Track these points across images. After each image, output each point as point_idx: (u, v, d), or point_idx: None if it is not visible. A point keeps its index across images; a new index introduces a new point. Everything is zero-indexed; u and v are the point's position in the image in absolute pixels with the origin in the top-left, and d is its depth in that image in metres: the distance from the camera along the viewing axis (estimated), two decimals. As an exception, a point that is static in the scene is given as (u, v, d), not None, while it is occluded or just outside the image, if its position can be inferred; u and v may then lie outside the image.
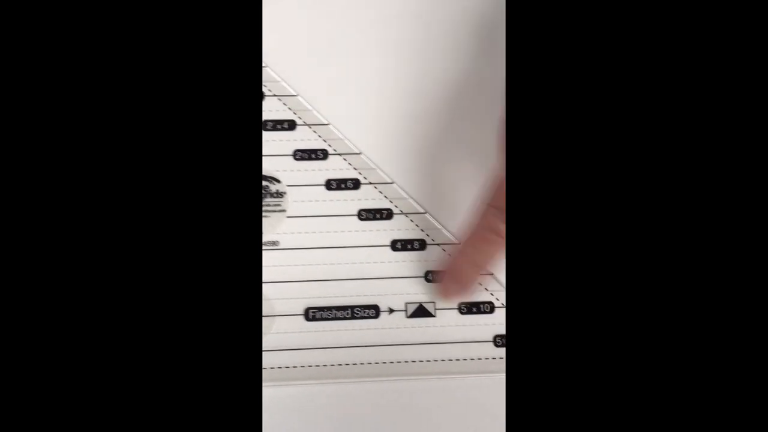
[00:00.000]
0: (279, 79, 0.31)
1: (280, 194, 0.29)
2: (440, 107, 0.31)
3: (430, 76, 0.31)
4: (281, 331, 0.28)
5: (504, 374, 0.27)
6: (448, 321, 0.28)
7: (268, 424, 0.26)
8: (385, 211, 0.30)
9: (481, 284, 0.28)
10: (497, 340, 0.28)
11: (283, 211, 0.29)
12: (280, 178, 0.30)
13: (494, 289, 0.29)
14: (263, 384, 0.27)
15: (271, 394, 0.27)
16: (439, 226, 0.29)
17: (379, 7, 0.32)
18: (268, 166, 0.30)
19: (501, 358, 0.28)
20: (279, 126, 0.30)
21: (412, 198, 0.30)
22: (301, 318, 0.28)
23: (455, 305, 0.28)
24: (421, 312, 0.28)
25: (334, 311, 0.28)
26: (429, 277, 0.29)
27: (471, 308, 0.28)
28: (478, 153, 0.30)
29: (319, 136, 0.30)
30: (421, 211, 0.30)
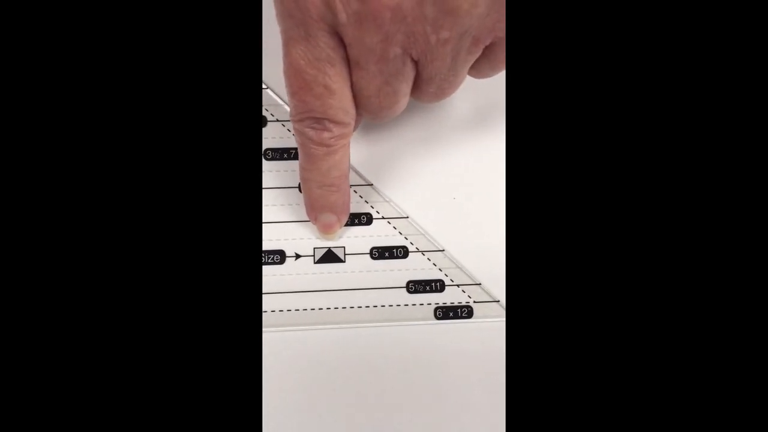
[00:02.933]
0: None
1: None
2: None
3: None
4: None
5: (416, 322, 0.26)
6: (359, 266, 0.27)
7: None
8: (293, 151, 0.28)
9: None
10: (410, 287, 0.27)
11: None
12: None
13: (408, 232, 0.27)
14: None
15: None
16: (353, 165, 0.28)
17: None
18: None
19: (413, 305, 0.27)
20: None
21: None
22: (201, 264, 0.26)
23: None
24: (329, 257, 0.27)
25: None
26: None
27: (383, 253, 0.27)
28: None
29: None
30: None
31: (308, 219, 0.27)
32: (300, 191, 0.28)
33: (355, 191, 0.28)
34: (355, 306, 0.26)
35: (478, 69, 0.23)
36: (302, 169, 0.25)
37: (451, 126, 0.29)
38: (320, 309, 0.26)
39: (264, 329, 0.26)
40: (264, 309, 0.26)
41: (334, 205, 0.26)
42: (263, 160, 0.28)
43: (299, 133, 0.24)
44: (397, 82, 0.22)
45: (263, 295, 0.26)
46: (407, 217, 0.28)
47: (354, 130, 0.24)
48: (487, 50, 0.22)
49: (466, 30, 0.20)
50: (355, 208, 0.27)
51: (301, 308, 0.26)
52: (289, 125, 0.29)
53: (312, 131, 0.23)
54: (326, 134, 0.23)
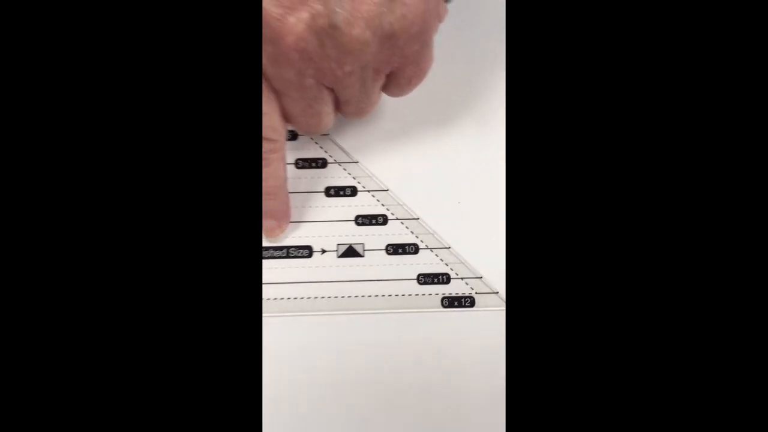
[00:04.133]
0: None
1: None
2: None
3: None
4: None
5: (425, 310, 0.30)
6: (376, 261, 0.31)
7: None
8: (320, 161, 0.32)
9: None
10: (420, 279, 0.30)
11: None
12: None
13: (419, 232, 0.31)
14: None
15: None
16: (371, 174, 0.32)
17: None
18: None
19: (422, 295, 0.30)
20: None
21: (342, 149, 0.32)
22: (240, 257, 0.30)
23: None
24: (350, 252, 0.31)
25: (270, 251, 0.31)
26: (358, 221, 0.31)
27: (397, 249, 0.31)
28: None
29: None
30: (354, 160, 0.32)
31: (332, 219, 0.31)
32: (326, 195, 0.32)
33: (373, 196, 0.32)
34: (372, 295, 0.30)
35: (388, 90, 0.28)
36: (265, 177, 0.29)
37: (456, 141, 0.33)
38: (342, 297, 0.30)
39: (292, 315, 0.30)
40: (293, 296, 0.30)
41: (274, 212, 0.30)
42: (294, 168, 0.32)
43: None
44: (318, 105, 0.26)
45: (293, 285, 0.30)
46: (418, 219, 0.31)
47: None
48: (391, 76, 0.27)
49: (366, 63, 0.24)
50: (373, 210, 0.31)
51: (325, 296, 0.30)
52: (316, 138, 0.33)
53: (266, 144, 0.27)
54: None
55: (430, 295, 0.30)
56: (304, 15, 0.22)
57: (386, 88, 0.28)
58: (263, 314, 0.29)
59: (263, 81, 0.25)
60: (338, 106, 0.27)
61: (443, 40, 0.27)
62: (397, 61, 0.26)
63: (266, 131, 0.26)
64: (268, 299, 0.30)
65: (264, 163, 0.27)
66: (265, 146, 0.27)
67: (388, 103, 0.33)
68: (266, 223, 0.30)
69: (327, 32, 0.23)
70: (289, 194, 0.31)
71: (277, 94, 0.26)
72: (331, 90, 0.26)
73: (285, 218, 0.30)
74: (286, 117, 0.27)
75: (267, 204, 0.29)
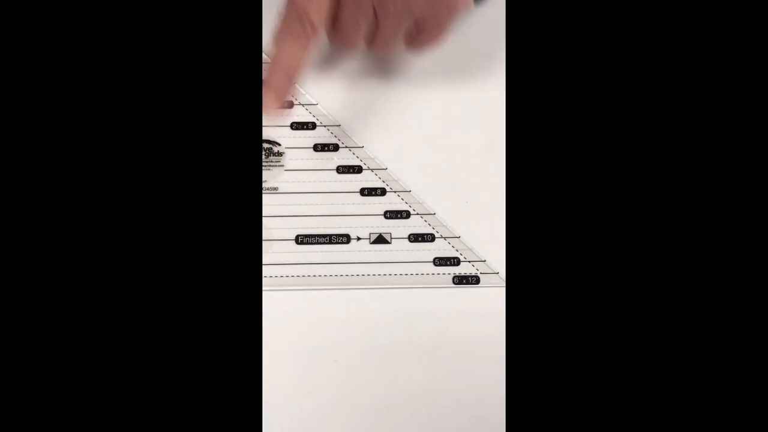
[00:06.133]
0: None
1: (280, 154, 0.40)
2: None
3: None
4: (278, 251, 0.38)
5: (440, 286, 0.37)
6: (400, 247, 0.38)
7: (267, 320, 0.35)
8: (356, 167, 0.40)
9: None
10: (436, 261, 0.38)
11: (282, 165, 0.40)
12: (280, 143, 0.40)
13: (435, 224, 0.39)
14: (263, 289, 0.37)
15: (269, 297, 0.36)
16: (397, 178, 0.40)
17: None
18: (272, 133, 0.40)
19: (437, 274, 0.37)
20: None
21: (373, 158, 0.40)
22: (293, 242, 0.38)
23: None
24: (380, 240, 0.38)
25: (316, 237, 0.38)
26: (387, 215, 0.39)
27: (417, 238, 0.38)
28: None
29: (310, 113, 0.40)
30: (384, 167, 0.40)
31: (366, 213, 0.39)
32: (360, 195, 0.39)
33: (399, 195, 0.39)
34: (397, 274, 0.37)
35: (408, 42, 0.35)
36: (277, 43, 0.31)
37: (466, 155, 0.40)
38: (373, 275, 0.37)
39: (333, 288, 0.37)
40: (335, 274, 0.38)
41: (278, 88, 0.32)
42: (336, 173, 0.40)
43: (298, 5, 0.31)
44: (360, 20, 0.32)
45: (335, 265, 0.38)
46: (434, 214, 0.39)
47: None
48: (415, 26, 0.33)
49: (411, 10, 0.32)
50: (398, 207, 0.39)
51: (360, 274, 0.37)
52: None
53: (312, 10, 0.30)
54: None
55: (443, 274, 0.37)
56: None
57: (408, 40, 0.34)
58: (311, 288, 0.37)
59: None
60: (370, 34, 0.34)
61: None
62: (428, 12, 0.32)
63: (312, 12, 0.31)
64: (315, 276, 0.37)
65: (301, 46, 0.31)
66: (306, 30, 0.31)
67: (413, 121, 0.40)
68: (267, 96, 0.32)
69: None
70: (331, 193, 0.39)
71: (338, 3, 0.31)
72: (376, 18, 0.32)
73: (281, 98, 0.33)
74: (332, 21, 0.32)
75: (285, 81, 0.32)
